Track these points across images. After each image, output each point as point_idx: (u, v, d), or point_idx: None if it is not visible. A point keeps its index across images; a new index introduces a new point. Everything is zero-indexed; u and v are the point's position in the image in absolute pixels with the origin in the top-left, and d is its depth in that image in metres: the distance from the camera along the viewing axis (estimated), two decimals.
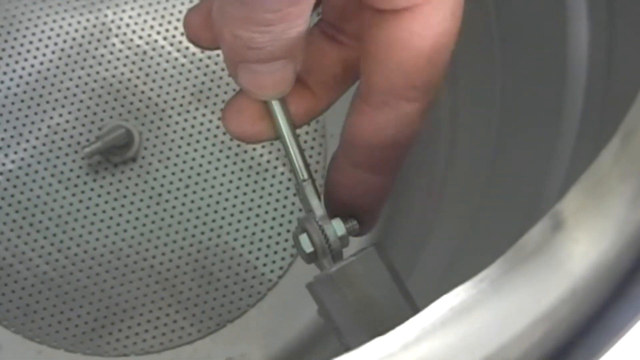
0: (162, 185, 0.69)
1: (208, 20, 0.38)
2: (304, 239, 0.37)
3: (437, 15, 0.34)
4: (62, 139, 0.69)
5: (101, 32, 0.72)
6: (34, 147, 0.69)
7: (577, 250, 0.27)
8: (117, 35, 0.72)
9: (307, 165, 0.39)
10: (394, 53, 0.35)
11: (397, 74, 0.36)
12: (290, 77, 0.36)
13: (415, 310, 0.33)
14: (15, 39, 0.71)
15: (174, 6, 0.73)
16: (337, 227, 0.37)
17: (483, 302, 0.26)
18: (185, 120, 0.70)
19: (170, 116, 0.70)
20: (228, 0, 0.33)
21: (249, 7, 0.32)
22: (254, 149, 0.70)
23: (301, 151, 0.39)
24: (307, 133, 0.70)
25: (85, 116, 0.70)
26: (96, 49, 0.72)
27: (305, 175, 0.38)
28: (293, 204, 0.69)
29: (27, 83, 0.70)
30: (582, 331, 0.28)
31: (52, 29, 0.72)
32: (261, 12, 0.32)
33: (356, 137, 0.38)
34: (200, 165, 0.69)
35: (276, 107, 0.38)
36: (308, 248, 0.37)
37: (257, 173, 0.69)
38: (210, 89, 0.71)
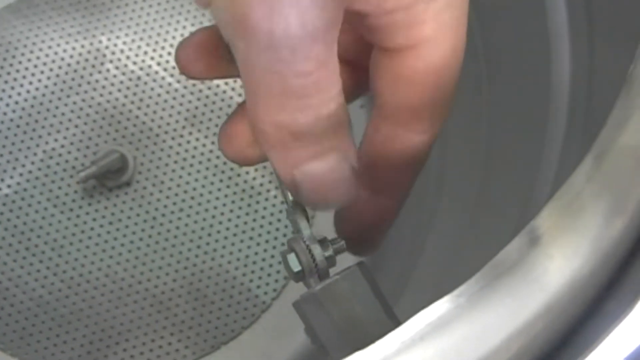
0: (156, 209, 0.70)
1: (198, 51, 0.39)
2: (291, 258, 0.38)
3: (438, 51, 0.35)
4: (58, 164, 0.70)
5: (96, 58, 0.73)
6: (30, 172, 0.70)
7: (552, 266, 0.28)
8: (111, 61, 0.73)
9: None
10: (399, 89, 0.36)
11: (403, 109, 0.37)
12: (348, 176, 0.36)
13: (397, 325, 0.34)
14: (10, 64, 0.72)
15: (167, 32, 0.74)
16: (324, 247, 0.38)
17: (460, 316, 0.27)
18: (179, 144, 0.71)
19: (164, 141, 0.71)
20: (261, 76, 0.33)
21: (280, 74, 0.32)
22: (247, 173, 0.71)
23: None
24: None
25: (80, 141, 0.71)
26: (91, 74, 0.72)
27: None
28: (286, 226, 0.70)
29: (23, 108, 0.71)
30: (558, 346, 0.29)
31: (47, 55, 0.72)
32: (294, 78, 0.32)
33: (364, 160, 0.38)
34: (194, 189, 0.70)
35: None
36: (295, 267, 0.37)
37: (251, 197, 0.70)
38: (203, 113, 0.72)
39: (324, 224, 0.62)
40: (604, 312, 0.29)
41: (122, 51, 0.73)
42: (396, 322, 0.34)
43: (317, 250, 0.37)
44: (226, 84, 0.72)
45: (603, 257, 0.28)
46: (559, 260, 0.28)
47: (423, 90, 0.36)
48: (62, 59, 0.73)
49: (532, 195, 0.51)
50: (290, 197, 0.39)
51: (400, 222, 0.67)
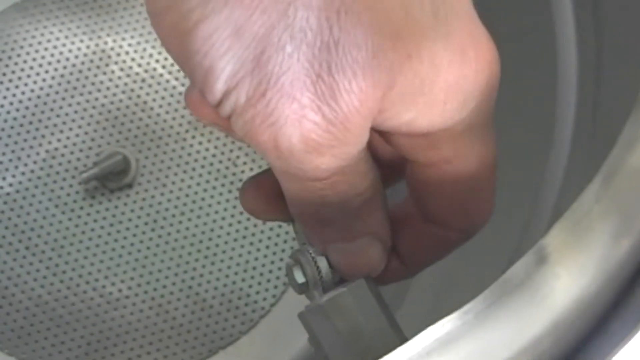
0: (157, 212, 0.70)
1: (261, 193, 0.40)
2: (296, 270, 0.38)
3: (461, 167, 0.36)
4: (60, 164, 0.70)
5: (100, 59, 0.73)
6: (32, 171, 0.70)
7: (559, 285, 0.28)
8: (116, 63, 0.73)
9: None
10: (430, 194, 0.37)
11: (437, 216, 0.38)
12: (379, 255, 0.38)
13: (402, 340, 0.34)
14: (15, 63, 0.72)
15: None
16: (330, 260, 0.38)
17: (468, 333, 0.27)
18: (182, 148, 0.71)
19: (167, 144, 0.71)
20: (280, 177, 0.35)
21: (296, 178, 0.34)
22: None
23: None
24: None
25: (83, 142, 0.71)
26: (95, 75, 0.72)
27: None
28: (287, 233, 0.70)
29: (27, 107, 0.71)
30: None
31: (52, 55, 0.72)
32: (309, 181, 0.33)
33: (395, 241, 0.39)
34: (196, 193, 0.70)
35: None
36: (300, 279, 0.38)
37: None
38: None
39: None
40: (609, 332, 0.29)
41: (127, 53, 0.73)
42: (401, 336, 0.34)
43: (323, 262, 0.37)
44: None
45: (609, 277, 0.28)
46: (565, 279, 0.28)
47: (452, 198, 0.37)
48: (67, 58, 0.73)
49: (535, 210, 0.51)
50: None
51: None
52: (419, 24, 0.31)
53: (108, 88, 0.72)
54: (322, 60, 0.30)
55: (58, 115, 0.71)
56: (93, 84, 0.72)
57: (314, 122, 0.31)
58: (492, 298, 0.27)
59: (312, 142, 0.31)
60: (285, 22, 0.30)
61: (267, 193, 0.40)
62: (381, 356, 0.27)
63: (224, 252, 0.69)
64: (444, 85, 0.32)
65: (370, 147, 0.35)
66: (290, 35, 0.30)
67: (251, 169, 0.71)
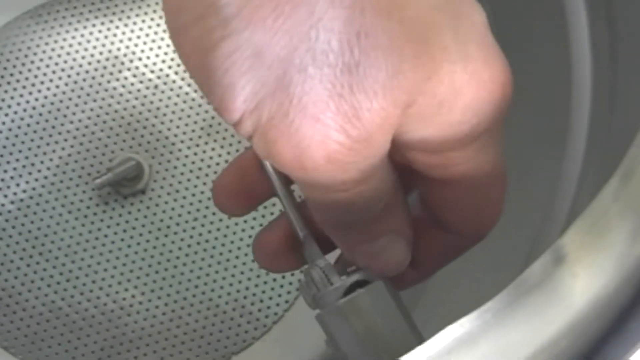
0: (170, 218, 0.70)
1: (269, 252, 0.42)
2: (309, 285, 0.38)
3: (475, 182, 0.37)
4: (73, 170, 0.70)
5: (114, 65, 0.73)
6: (45, 178, 0.70)
7: (577, 284, 0.28)
8: (129, 69, 0.73)
9: (305, 219, 0.40)
10: (445, 209, 0.38)
11: (448, 224, 0.39)
12: (403, 251, 0.39)
13: (420, 340, 0.34)
14: (29, 69, 0.72)
15: None
16: (341, 273, 0.38)
17: (487, 333, 0.27)
18: (195, 154, 0.71)
19: (180, 150, 0.71)
20: (303, 188, 0.35)
21: (320, 189, 0.34)
22: None
23: (298, 208, 0.40)
24: None
25: (96, 148, 0.71)
26: (108, 81, 0.73)
27: (305, 230, 0.40)
28: None
29: (40, 114, 0.71)
30: None
31: (65, 61, 0.73)
32: (332, 193, 0.34)
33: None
34: (209, 199, 0.70)
35: (270, 167, 0.40)
36: (311, 290, 0.38)
37: (265, 207, 0.70)
38: (220, 123, 0.72)
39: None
40: (627, 331, 0.29)
41: (139, 59, 0.73)
42: (419, 337, 0.35)
43: (334, 277, 0.37)
44: None
45: (627, 276, 0.28)
46: (583, 279, 0.28)
47: (464, 208, 0.38)
48: (80, 65, 0.73)
49: (552, 209, 0.51)
50: (300, 231, 0.40)
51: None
52: (439, 46, 0.31)
53: (121, 94, 0.73)
54: (343, 81, 0.30)
55: (71, 122, 0.71)
56: (106, 90, 0.72)
57: (338, 141, 0.31)
58: (510, 298, 0.27)
59: (337, 160, 0.32)
60: (307, 45, 0.30)
61: (275, 251, 0.42)
62: (400, 356, 0.27)
63: (236, 257, 0.69)
64: (461, 105, 0.33)
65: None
66: (312, 57, 0.30)
67: None
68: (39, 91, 0.72)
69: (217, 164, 0.71)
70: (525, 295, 0.27)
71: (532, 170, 0.54)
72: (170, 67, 0.73)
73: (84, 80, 0.73)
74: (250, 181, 0.42)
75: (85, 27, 0.74)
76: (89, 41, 0.73)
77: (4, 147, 0.70)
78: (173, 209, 0.70)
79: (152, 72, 0.73)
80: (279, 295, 0.69)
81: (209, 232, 0.70)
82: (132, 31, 0.74)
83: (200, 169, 0.71)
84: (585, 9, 0.53)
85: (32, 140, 0.71)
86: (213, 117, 0.72)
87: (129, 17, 0.74)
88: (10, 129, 0.71)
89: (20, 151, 0.70)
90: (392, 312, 0.35)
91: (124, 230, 0.69)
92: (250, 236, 0.69)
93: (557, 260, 0.28)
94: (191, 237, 0.70)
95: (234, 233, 0.70)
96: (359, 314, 0.35)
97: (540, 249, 0.46)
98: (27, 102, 0.72)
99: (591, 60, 0.50)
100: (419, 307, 0.61)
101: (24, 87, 0.72)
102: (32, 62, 0.73)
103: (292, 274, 0.69)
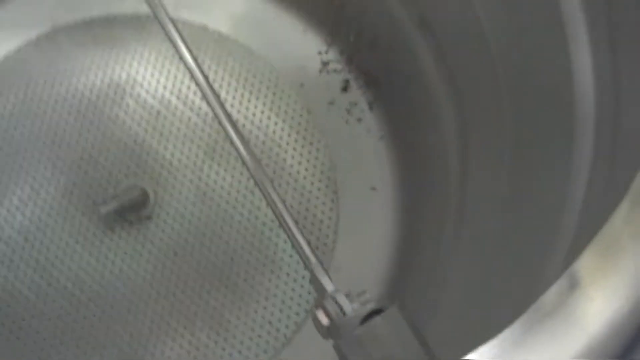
0: (177, 243, 0.70)
1: None
2: (320, 314, 0.38)
3: None
4: (79, 199, 0.70)
5: (116, 92, 0.73)
6: (51, 207, 0.70)
7: (592, 308, 0.28)
8: (131, 96, 0.73)
9: (312, 250, 0.41)
10: None
11: None
12: None
13: None
14: (31, 99, 0.73)
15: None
16: (351, 300, 0.39)
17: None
18: (199, 178, 0.72)
19: (184, 175, 0.71)
20: None
21: None
22: (267, 207, 0.71)
23: (305, 239, 0.41)
24: (318, 189, 0.71)
25: (101, 175, 0.71)
26: (111, 109, 0.73)
27: (313, 260, 0.40)
28: None
29: (44, 143, 0.72)
30: None
31: (67, 91, 0.73)
32: None
33: None
34: (215, 223, 0.70)
35: (278, 201, 0.41)
36: (325, 321, 0.38)
37: (271, 230, 0.70)
38: (223, 147, 0.72)
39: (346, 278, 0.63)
40: None
41: (141, 86, 0.74)
42: None
43: (345, 304, 0.38)
44: (245, 117, 0.73)
45: None
46: (599, 302, 0.28)
47: None
48: (83, 93, 0.73)
49: (560, 224, 0.51)
50: (308, 262, 0.40)
51: (420, 260, 0.67)
52: None
53: (124, 122, 0.73)
54: None
55: (75, 150, 0.72)
56: (108, 117, 0.73)
57: None
58: (527, 324, 0.27)
59: None
60: None
61: None
62: None
63: (245, 280, 0.69)
64: None
65: None
66: None
67: None
68: (42, 121, 0.72)
69: (222, 187, 0.71)
70: (541, 322, 0.28)
71: (538, 182, 0.54)
72: (171, 93, 0.74)
73: (87, 108, 0.73)
74: None
75: (86, 56, 0.74)
76: (90, 69, 0.74)
77: (9, 177, 0.71)
78: (179, 234, 0.70)
79: (154, 98, 0.73)
80: (288, 318, 0.69)
81: (216, 256, 0.70)
82: (132, 58, 0.74)
83: (204, 193, 0.71)
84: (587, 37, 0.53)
85: (36, 170, 0.71)
86: (216, 142, 0.72)
87: (129, 44, 0.75)
88: (14, 160, 0.71)
89: (25, 181, 0.71)
90: (408, 338, 0.35)
91: (131, 257, 0.69)
92: (257, 259, 0.70)
93: (572, 284, 0.28)
94: (199, 262, 0.70)
95: (241, 257, 0.70)
96: (377, 341, 0.35)
97: (550, 266, 0.46)
98: (31, 132, 0.72)
99: (592, 66, 0.50)
100: (433, 324, 0.61)
101: (26, 117, 0.72)
102: (34, 91, 0.73)
103: (300, 295, 0.69)
